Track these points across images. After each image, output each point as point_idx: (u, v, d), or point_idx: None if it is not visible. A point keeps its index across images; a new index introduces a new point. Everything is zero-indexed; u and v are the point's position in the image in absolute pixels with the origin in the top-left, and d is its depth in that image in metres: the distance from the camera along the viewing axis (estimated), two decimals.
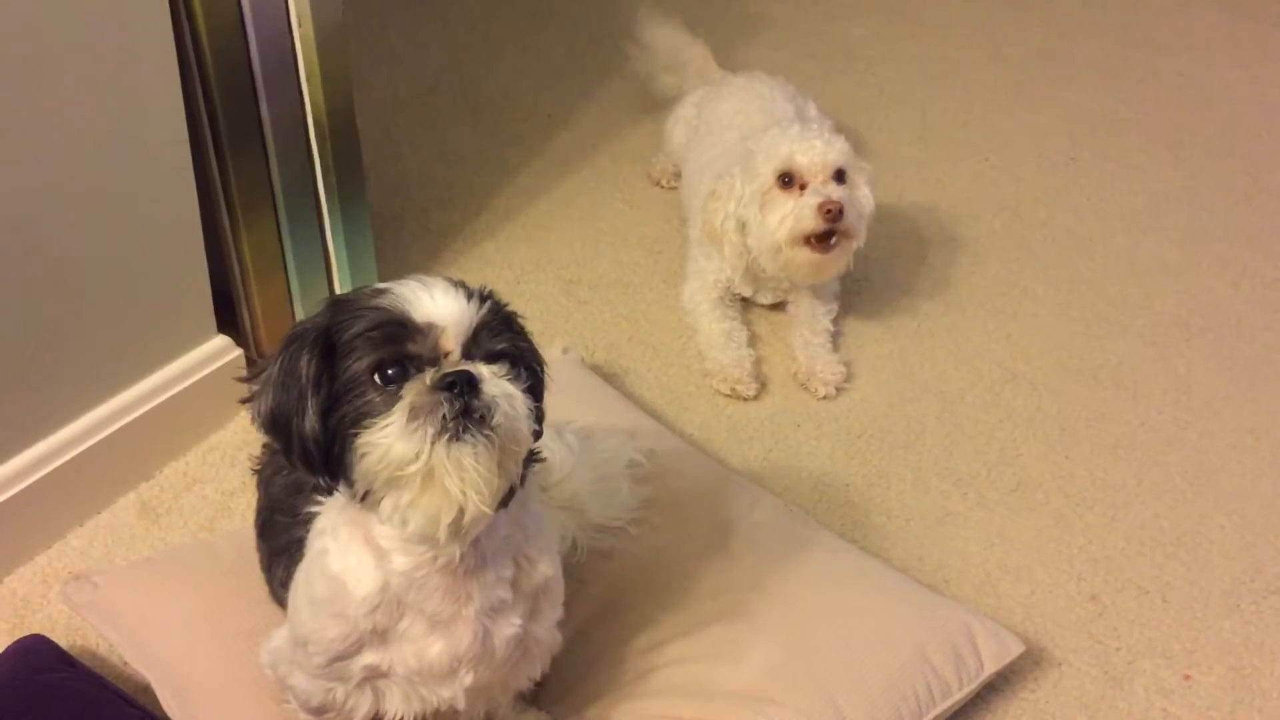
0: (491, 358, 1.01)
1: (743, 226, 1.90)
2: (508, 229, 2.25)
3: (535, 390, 1.06)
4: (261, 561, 1.32)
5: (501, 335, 1.03)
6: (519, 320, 1.07)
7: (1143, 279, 2.20)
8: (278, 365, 1.01)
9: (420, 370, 0.98)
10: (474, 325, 1.01)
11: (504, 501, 1.03)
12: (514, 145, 2.50)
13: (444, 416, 0.96)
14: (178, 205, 1.63)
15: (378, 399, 0.98)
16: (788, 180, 1.85)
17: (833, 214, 1.81)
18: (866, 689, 1.34)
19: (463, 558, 1.07)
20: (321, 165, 1.82)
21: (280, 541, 1.23)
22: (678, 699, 1.32)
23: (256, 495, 1.35)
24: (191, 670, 1.34)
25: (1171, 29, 3.00)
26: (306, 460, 1.01)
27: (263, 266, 1.82)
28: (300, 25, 1.67)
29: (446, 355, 1.00)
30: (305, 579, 1.14)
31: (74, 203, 1.48)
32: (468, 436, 0.97)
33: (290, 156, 1.77)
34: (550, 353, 1.80)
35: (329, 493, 1.07)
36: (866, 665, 1.36)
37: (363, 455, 0.97)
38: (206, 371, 1.74)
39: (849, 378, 1.95)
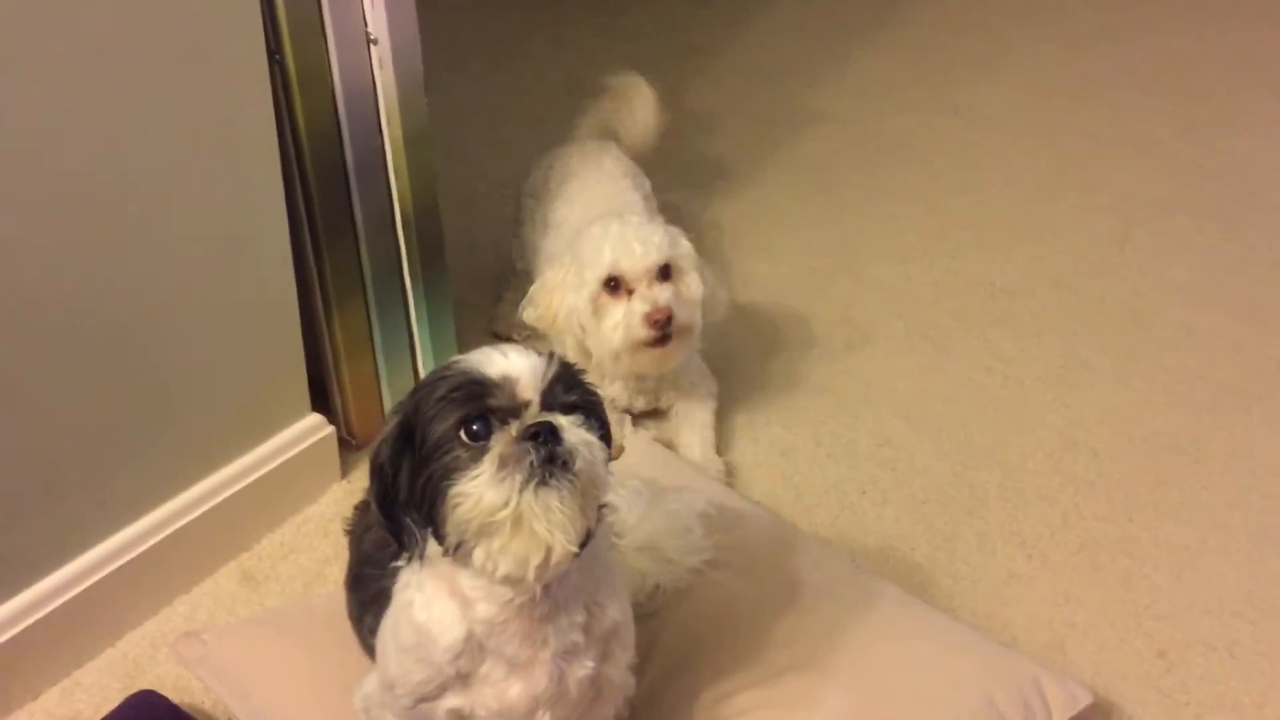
0: (566, 409, 1.11)
1: (580, 327, 1.88)
2: None
3: (605, 440, 1.14)
4: (351, 613, 1.40)
5: (574, 389, 1.13)
6: (585, 376, 1.16)
7: (1199, 350, 2.25)
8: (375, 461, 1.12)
9: (505, 424, 1.07)
10: (549, 378, 1.10)
11: (583, 543, 1.11)
12: None
13: (531, 464, 1.05)
14: (277, 293, 1.76)
15: (465, 454, 1.07)
16: (614, 286, 1.84)
17: (660, 320, 1.81)
18: None
19: (538, 604, 1.15)
20: (408, 255, 1.94)
21: (369, 593, 1.32)
22: None
23: (348, 555, 1.44)
24: (293, 717, 1.42)
25: (1222, 111, 3.07)
26: (392, 526, 1.11)
27: (353, 349, 1.94)
28: (390, 125, 1.81)
29: (526, 407, 1.09)
30: (392, 627, 1.22)
31: (185, 292, 1.61)
32: (554, 481, 1.06)
33: (379, 246, 1.90)
34: (618, 430, 1.90)
35: (415, 556, 1.14)
36: (937, 713, 1.40)
37: (455, 506, 1.06)
38: (301, 448, 1.85)
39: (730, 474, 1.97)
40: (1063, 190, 2.80)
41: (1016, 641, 1.66)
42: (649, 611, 1.54)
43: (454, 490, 1.06)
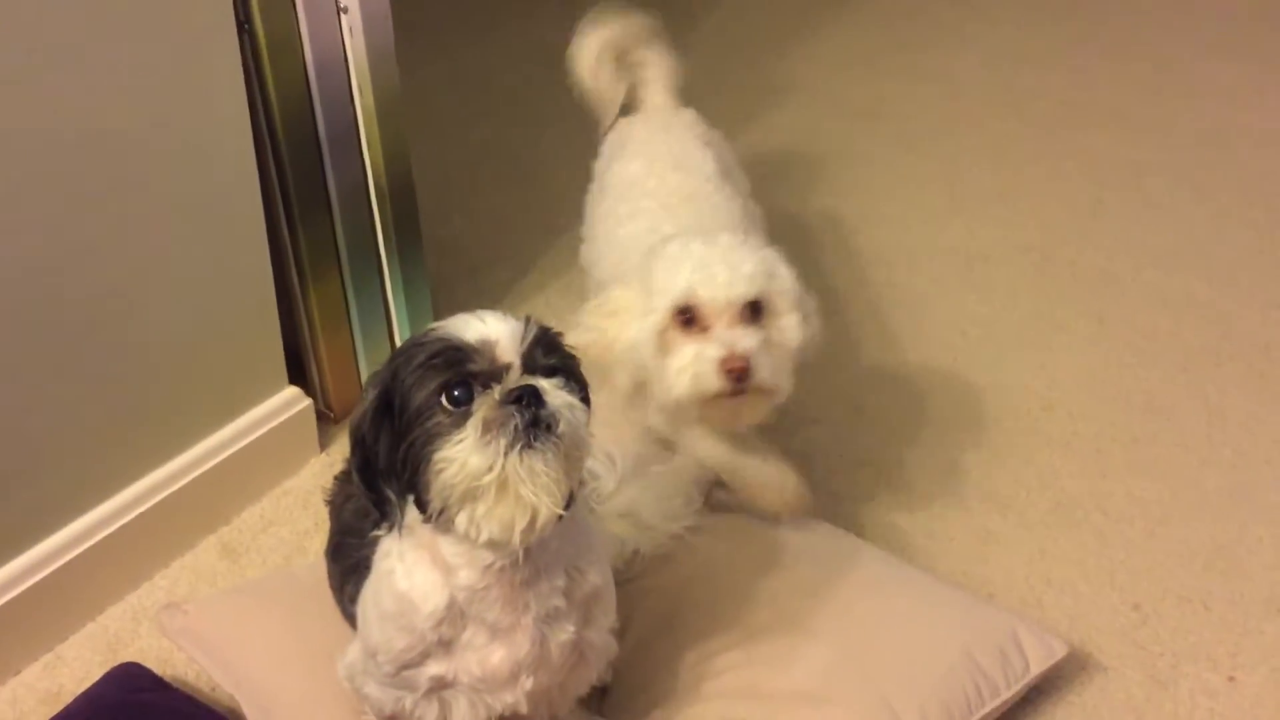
0: (547, 372, 1.10)
1: (643, 365, 1.52)
2: (554, 285, 2.36)
3: (585, 402, 1.15)
4: (332, 582, 1.40)
5: (553, 352, 1.12)
6: (563, 339, 1.16)
7: (1172, 311, 2.27)
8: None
9: (486, 388, 1.07)
10: (528, 341, 1.10)
11: (566, 505, 1.11)
12: (559, 208, 2.61)
13: (515, 427, 1.05)
14: (252, 266, 1.75)
15: (447, 420, 1.06)
16: (688, 319, 1.47)
17: (736, 373, 1.44)
18: (917, 688, 1.40)
19: (519, 569, 1.15)
20: (382, 227, 1.94)
21: (350, 561, 1.32)
22: (734, 700, 1.39)
23: (329, 525, 1.44)
24: (276, 687, 1.43)
25: (1190, 78, 3.09)
26: (373, 496, 1.12)
27: (329, 322, 1.93)
28: (361, 95, 1.81)
29: (507, 371, 1.08)
30: (374, 596, 1.23)
31: (158, 266, 1.61)
32: (538, 444, 1.05)
33: (354, 218, 1.89)
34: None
35: (395, 525, 1.15)
36: (917, 666, 1.42)
37: (439, 472, 1.05)
38: (279, 420, 1.85)
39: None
40: (1034, 156, 2.81)
41: (994, 598, 1.68)
42: (629, 577, 1.56)
43: (438, 456, 1.05)
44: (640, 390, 1.55)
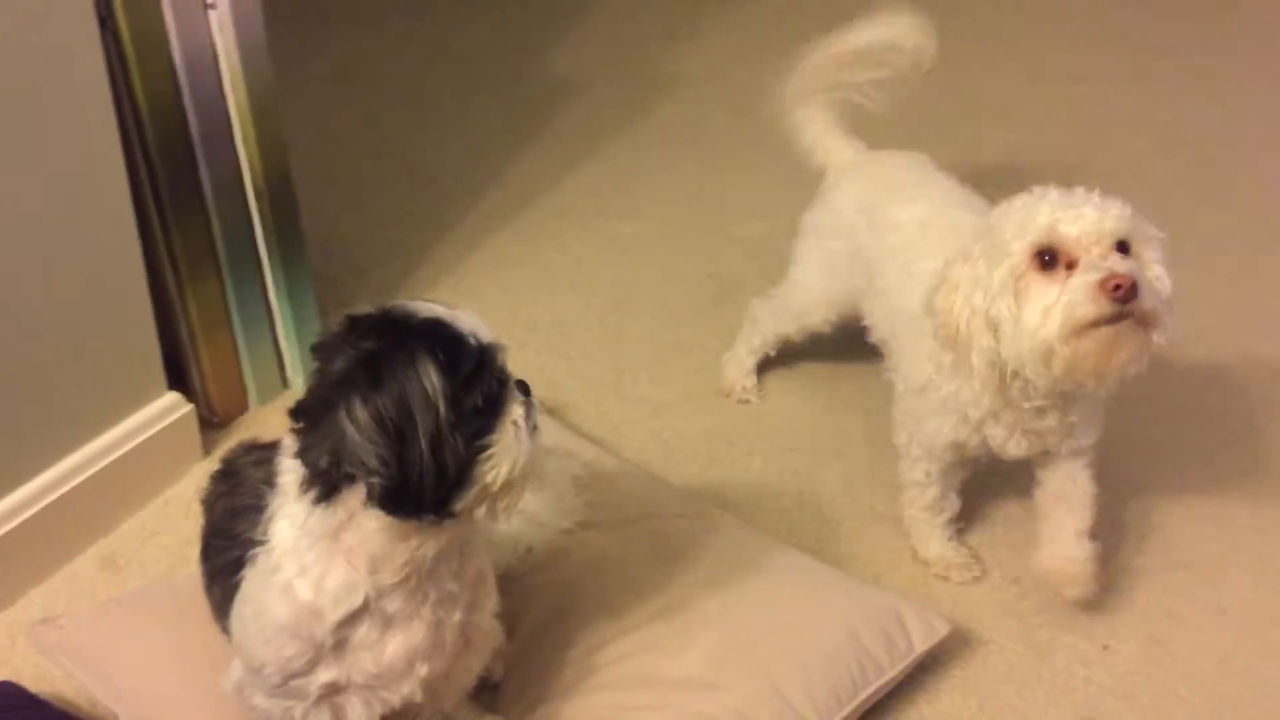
0: None
1: (995, 327, 1.40)
2: (446, 281, 2.35)
3: None
4: (204, 584, 1.37)
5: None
6: None
7: None
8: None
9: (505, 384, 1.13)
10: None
11: None
12: (449, 205, 2.61)
13: (533, 418, 1.14)
14: (124, 268, 1.71)
15: (489, 416, 1.10)
16: (1049, 259, 1.36)
17: (1122, 291, 1.30)
18: (804, 670, 1.42)
19: (432, 557, 1.16)
20: (262, 225, 1.90)
21: (218, 563, 1.29)
22: (625, 690, 1.40)
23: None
24: (158, 699, 1.39)
25: (1068, 64, 3.18)
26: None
27: (209, 325, 1.89)
28: (235, 93, 1.77)
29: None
30: (255, 612, 1.19)
31: (24, 271, 1.56)
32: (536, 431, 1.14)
33: (230, 218, 1.86)
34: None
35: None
36: (803, 648, 1.44)
37: (493, 465, 1.09)
38: (159, 427, 1.80)
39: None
40: (917, 141, 2.83)
41: (881, 578, 1.71)
42: (522, 573, 1.56)
43: (489, 451, 1.09)
44: (993, 367, 1.42)
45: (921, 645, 1.51)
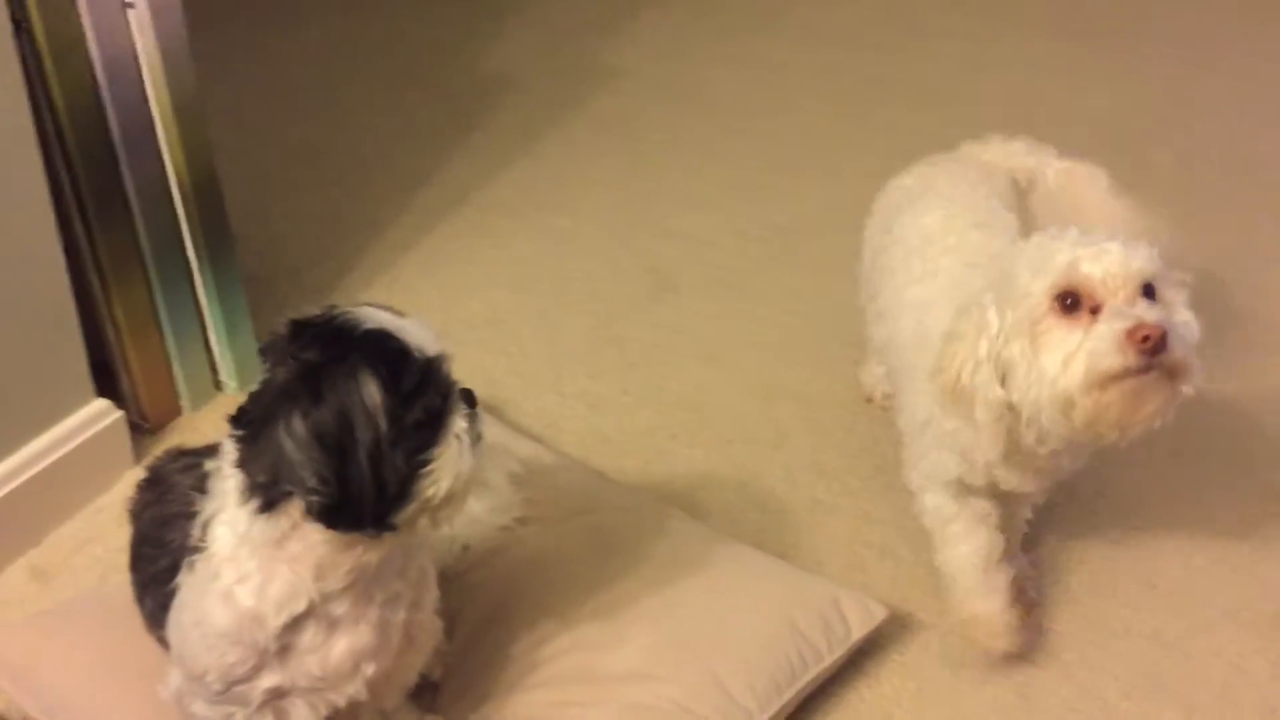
0: None
1: (1003, 376, 1.31)
2: (381, 280, 2.33)
3: None
4: (135, 594, 1.35)
5: None
6: None
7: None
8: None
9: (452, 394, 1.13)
10: None
11: None
12: (382, 204, 2.58)
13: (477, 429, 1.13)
14: (46, 273, 1.68)
15: (430, 431, 1.09)
16: (1071, 302, 1.27)
17: (1151, 343, 1.22)
18: (744, 659, 1.43)
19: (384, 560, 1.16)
20: (189, 227, 1.87)
21: (150, 572, 1.27)
22: (566, 686, 1.40)
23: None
24: (91, 711, 1.37)
25: (999, 53, 3.21)
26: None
27: (137, 329, 1.86)
28: (157, 94, 1.74)
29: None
30: (194, 617, 1.18)
31: None
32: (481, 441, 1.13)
33: (156, 220, 1.83)
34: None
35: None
36: (742, 638, 1.45)
37: (434, 481, 1.09)
38: (88, 435, 1.77)
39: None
40: (848, 133, 2.88)
41: (821, 566, 1.73)
42: (459, 572, 1.55)
43: (434, 462, 1.09)
44: (999, 422, 1.33)
45: (859, 631, 1.52)
